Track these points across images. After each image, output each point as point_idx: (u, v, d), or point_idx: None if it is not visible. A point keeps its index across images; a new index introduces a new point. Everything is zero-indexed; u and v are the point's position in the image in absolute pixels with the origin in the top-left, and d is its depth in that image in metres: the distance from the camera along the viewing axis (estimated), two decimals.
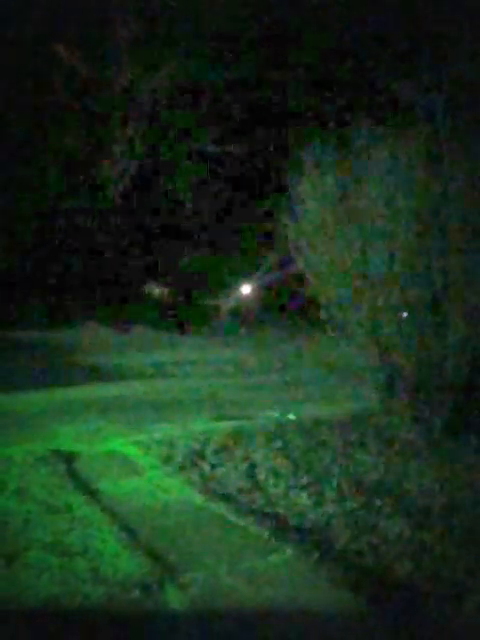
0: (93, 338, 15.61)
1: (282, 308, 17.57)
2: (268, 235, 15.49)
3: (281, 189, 7.44)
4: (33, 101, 17.91)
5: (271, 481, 5.02)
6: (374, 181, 6.43)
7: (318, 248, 6.86)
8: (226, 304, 19.51)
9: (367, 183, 6.49)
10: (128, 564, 3.70)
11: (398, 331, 6.30)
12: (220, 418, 7.42)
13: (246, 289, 20.05)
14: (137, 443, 6.28)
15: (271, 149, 18.26)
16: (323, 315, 6.84)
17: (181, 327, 17.36)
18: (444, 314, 6.13)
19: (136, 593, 3.37)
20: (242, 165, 19.39)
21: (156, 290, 20.54)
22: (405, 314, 6.35)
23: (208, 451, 5.83)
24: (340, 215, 6.70)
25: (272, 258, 17.51)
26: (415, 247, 6.21)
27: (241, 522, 4.29)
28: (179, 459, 5.63)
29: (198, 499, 4.76)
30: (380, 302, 6.41)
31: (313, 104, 18.03)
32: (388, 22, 16.98)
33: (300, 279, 7.33)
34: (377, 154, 6.45)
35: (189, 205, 19.39)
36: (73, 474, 5.40)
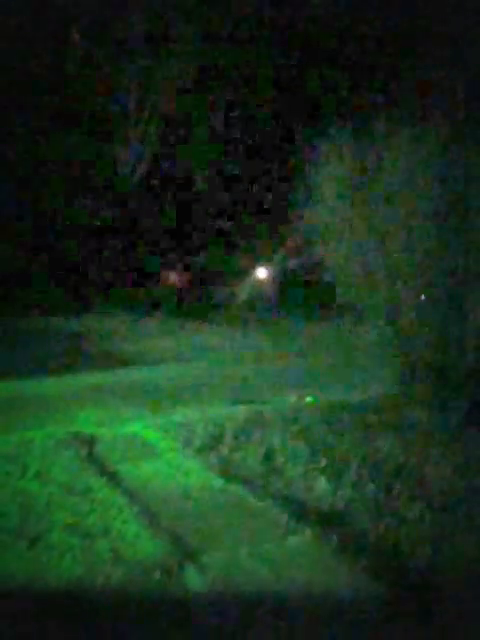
0: (111, 324, 15.69)
1: (300, 294, 17.52)
2: (285, 221, 15.43)
3: (299, 174, 7.39)
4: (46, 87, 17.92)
5: (289, 465, 5.03)
6: (392, 166, 6.37)
7: (336, 234, 6.82)
8: (243, 290, 19.49)
9: (385, 168, 6.43)
10: (148, 546, 3.75)
11: (417, 317, 6.26)
12: (238, 402, 7.45)
13: (263, 275, 20.01)
14: (156, 427, 6.33)
15: (288, 134, 18.12)
16: (341, 301, 6.82)
17: (198, 313, 17.39)
18: (464, 299, 6.09)
19: (156, 574, 3.41)
20: (259, 150, 19.28)
21: (172, 276, 20.57)
22: (423, 297, 6.31)
23: (226, 435, 5.86)
24: (358, 200, 6.66)
25: (289, 244, 17.44)
26: (434, 232, 6.16)
27: (260, 505, 4.32)
28: (198, 442, 5.67)
29: (217, 482, 4.79)
30: (398, 287, 6.37)
31: (330, 89, 17.86)
32: (408, 5, 16.73)
33: (317, 265, 7.30)
34: (395, 139, 6.38)
35: (204, 188, 19.34)
36: (93, 457, 5.46)
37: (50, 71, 18.15)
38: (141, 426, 6.46)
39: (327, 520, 4.00)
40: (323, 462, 5.03)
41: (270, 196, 18.57)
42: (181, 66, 18.78)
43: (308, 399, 7.37)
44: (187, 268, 20.27)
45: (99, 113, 18.93)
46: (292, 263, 17.98)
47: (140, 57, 18.88)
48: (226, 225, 19.56)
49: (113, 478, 4.92)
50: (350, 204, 6.69)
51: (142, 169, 19.59)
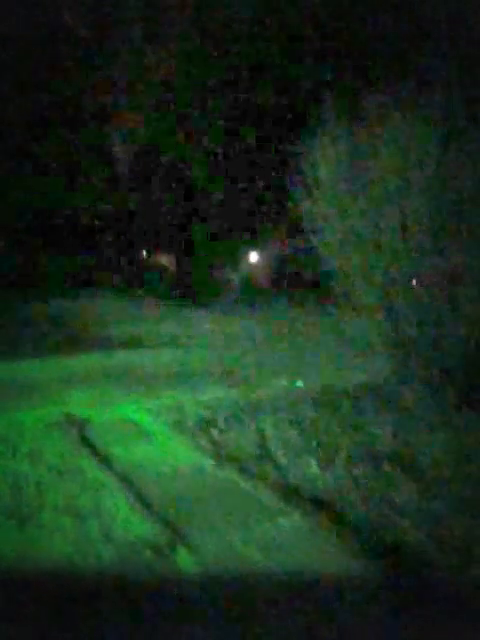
0: (105, 308, 15.64)
1: (293, 279, 17.49)
2: (279, 205, 15.37)
3: (293, 158, 7.33)
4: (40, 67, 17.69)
5: (281, 448, 5.03)
6: (387, 149, 6.32)
7: (330, 218, 6.78)
8: (236, 275, 19.45)
9: (380, 152, 6.38)
10: (139, 527, 3.74)
11: (411, 302, 6.25)
12: (230, 386, 7.44)
13: (256, 260, 19.96)
14: (148, 410, 6.32)
15: (283, 117, 17.97)
16: (335, 286, 6.79)
17: (192, 298, 17.35)
18: (459, 284, 6.07)
19: (147, 554, 3.41)
20: (253, 136, 19.13)
21: (165, 261, 20.50)
22: (414, 282, 6.30)
23: (218, 418, 5.86)
24: (353, 184, 6.61)
25: (283, 229, 17.39)
26: (429, 216, 6.13)
27: (251, 488, 4.32)
28: (189, 426, 5.67)
29: (208, 465, 4.79)
30: (393, 272, 6.35)
31: (325, 72, 17.69)
32: None
33: (311, 250, 7.26)
34: (391, 122, 6.33)
35: (200, 175, 19.21)
36: (85, 439, 5.45)
37: (44, 53, 17.93)
38: (133, 409, 6.45)
39: (318, 503, 4.01)
40: (314, 445, 5.03)
41: (266, 182, 18.46)
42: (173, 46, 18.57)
43: (298, 383, 7.37)
44: (180, 252, 20.19)
45: (94, 96, 18.73)
46: (287, 249, 17.94)
47: (135, 36, 18.65)
48: (220, 210, 19.44)
49: (105, 460, 4.92)
50: (345, 188, 6.64)
51: (135, 151, 19.43)
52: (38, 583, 3.19)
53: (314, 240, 6.94)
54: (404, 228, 6.27)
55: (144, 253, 19.78)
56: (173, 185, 19.38)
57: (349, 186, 6.64)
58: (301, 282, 15.20)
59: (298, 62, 18.39)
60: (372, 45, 17.29)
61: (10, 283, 16.48)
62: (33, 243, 17.93)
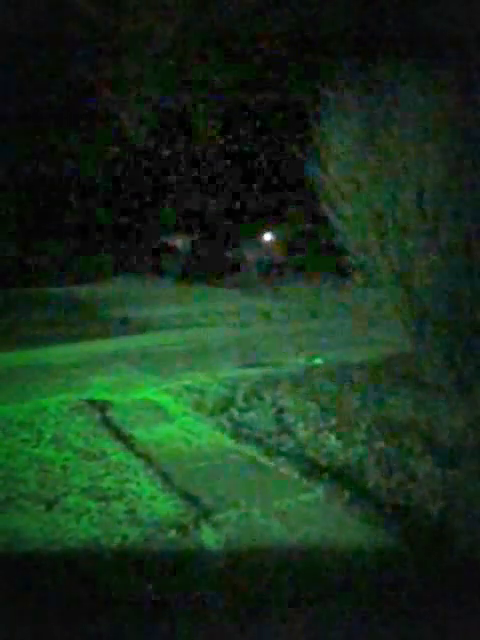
0: (122, 291, 15.73)
1: (310, 256, 17.39)
2: (295, 183, 15.23)
3: (307, 133, 7.24)
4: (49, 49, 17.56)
5: (300, 424, 5.08)
6: (402, 120, 6.23)
7: (345, 192, 6.72)
8: (252, 255, 19.39)
9: (395, 122, 6.28)
10: (163, 506, 3.81)
11: (428, 275, 6.20)
12: (248, 365, 7.49)
13: (272, 238, 19.87)
14: (168, 391, 6.39)
15: (296, 89, 17.69)
16: (352, 261, 6.75)
17: (207, 278, 17.36)
18: (476, 257, 6.00)
19: (172, 533, 3.48)
20: (266, 110, 18.90)
21: (180, 242, 20.48)
22: (433, 257, 6.23)
23: (237, 397, 5.91)
24: (367, 157, 6.53)
25: (298, 208, 17.25)
26: (445, 188, 6.04)
27: (272, 464, 4.37)
28: (209, 405, 5.72)
29: (229, 443, 4.85)
30: (409, 246, 6.29)
31: (336, 39, 17.32)
32: None
33: (326, 226, 7.21)
34: (405, 91, 6.22)
35: (212, 153, 19.07)
36: (107, 422, 5.53)
37: (51, 39, 17.81)
38: (153, 391, 6.52)
39: (338, 477, 4.05)
40: (334, 421, 5.07)
41: (279, 158, 18.27)
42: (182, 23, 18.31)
43: (317, 360, 7.39)
44: (194, 232, 20.15)
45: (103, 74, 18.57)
46: (302, 225, 17.82)
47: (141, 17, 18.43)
48: (233, 190, 19.32)
49: (127, 442, 5.00)
50: (359, 161, 6.56)
51: (145, 132, 19.32)
52: (66, 564, 3.27)
53: (330, 215, 6.89)
54: (421, 199, 6.19)
55: (164, 237, 19.77)
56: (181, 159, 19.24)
57: (364, 158, 6.55)
58: (318, 259, 15.14)
59: (308, 31, 18.03)
60: (383, 10, 16.87)
61: (25, 270, 16.62)
62: (46, 227, 17.99)
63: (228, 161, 19.05)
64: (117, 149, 18.74)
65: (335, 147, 6.65)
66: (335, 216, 6.78)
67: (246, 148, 18.88)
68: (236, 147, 18.89)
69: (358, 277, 6.77)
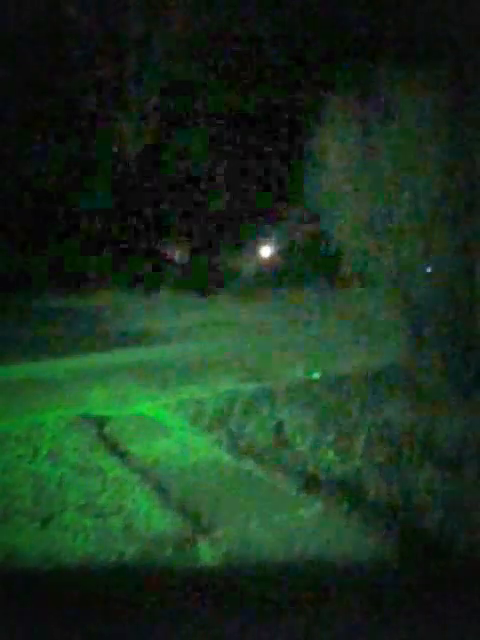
0: (118, 303, 15.69)
1: (306, 265, 17.38)
2: (290, 191, 15.25)
3: (304, 144, 7.25)
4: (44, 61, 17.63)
5: (298, 438, 5.04)
6: (398, 131, 6.24)
7: (341, 200, 6.72)
8: (247, 264, 19.38)
9: (391, 133, 6.30)
10: (160, 522, 3.78)
11: (424, 283, 6.20)
12: (246, 378, 7.45)
13: (267, 247, 19.87)
14: (165, 405, 6.36)
15: (292, 99, 17.75)
16: (347, 270, 6.74)
17: (202, 289, 17.33)
18: (471, 265, 6.01)
19: (169, 550, 3.44)
20: (261, 119, 18.94)
21: (175, 253, 20.48)
22: (429, 269, 6.24)
23: (235, 411, 5.88)
24: (363, 165, 6.54)
25: (293, 215, 17.27)
26: (440, 195, 6.05)
27: (270, 478, 4.34)
28: (207, 419, 5.69)
29: (227, 457, 4.82)
30: (405, 254, 6.29)
31: (331, 51, 17.40)
32: None
33: (322, 236, 7.21)
34: (400, 99, 6.23)
35: (206, 165, 19.09)
36: (104, 437, 5.50)
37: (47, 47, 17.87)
38: (150, 405, 6.49)
39: (337, 491, 4.01)
40: (332, 434, 5.04)
41: (274, 166, 18.29)
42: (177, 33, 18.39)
43: (315, 375, 7.36)
44: (189, 243, 20.15)
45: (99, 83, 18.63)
46: (297, 234, 17.83)
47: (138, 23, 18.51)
48: (229, 198, 19.34)
49: (124, 457, 4.96)
50: (355, 169, 6.56)
51: (142, 144, 19.37)
52: (61, 582, 3.23)
53: (326, 223, 6.89)
54: (417, 207, 6.20)
55: (160, 248, 19.78)
56: (180, 176, 19.28)
57: (359, 166, 6.56)
58: (313, 267, 15.12)
59: (305, 38, 18.08)
60: (381, 19, 16.92)
61: (23, 281, 16.58)
62: (44, 240, 17.99)
63: (224, 167, 19.08)
64: (116, 156, 18.78)
65: (332, 155, 6.67)
66: (331, 222, 6.79)
67: (244, 153, 18.89)
68: (233, 152, 18.91)
69: (356, 284, 6.77)
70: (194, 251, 19.92)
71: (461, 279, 6.11)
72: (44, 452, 5.11)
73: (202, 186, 19.12)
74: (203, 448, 5.10)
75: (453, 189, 6.03)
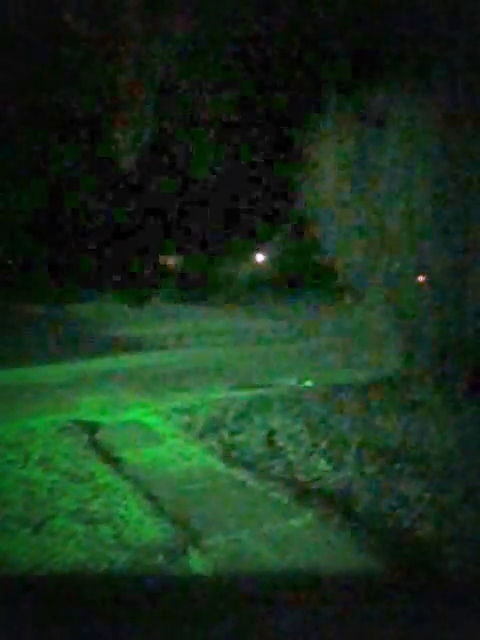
0: (112, 310, 15.69)
1: (300, 276, 17.45)
2: (284, 203, 15.32)
3: (298, 156, 7.31)
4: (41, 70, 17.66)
5: (290, 447, 5.05)
6: (391, 145, 6.31)
7: (334, 214, 6.78)
8: (241, 273, 19.44)
9: (384, 147, 6.37)
10: (152, 530, 3.77)
11: (416, 296, 6.24)
12: (239, 386, 7.46)
13: (261, 257, 19.94)
14: (158, 412, 6.35)
15: (287, 116, 17.87)
16: (340, 282, 6.79)
17: (198, 297, 17.36)
18: (463, 278, 6.06)
19: (160, 558, 3.44)
20: (257, 132, 19.05)
21: (170, 261, 20.51)
22: (421, 279, 6.29)
23: (228, 419, 5.88)
24: (357, 180, 6.61)
25: (287, 227, 17.35)
26: (433, 211, 6.11)
27: (262, 488, 4.34)
28: (199, 427, 5.69)
29: (219, 466, 4.81)
30: (397, 267, 6.34)
31: (327, 67, 17.56)
32: None
33: (315, 247, 7.26)
34: (394, 117, 6.31)
35: (203, 176, 19.16)
36: (96, 444, 5.48)
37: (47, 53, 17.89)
38: (143, 412, 6.48)
39: (328, 501, 4.02)
40: (324, 444, 5.05)
41: (269, 178, 18.38)
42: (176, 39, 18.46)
43: (307, 383, 7.38)
44: (185, 252, 20.20)
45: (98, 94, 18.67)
46: (291, 245, 17.90)
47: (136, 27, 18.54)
48: (224, 209, 19.40)
49: (116, 464, 4.95)
50: (348, 184, 6.63)
51: (139, 152, 19.40)
52: (51, 589, 3.22)
53: (318, 235, 6.94)
54: (409, 220, 6.26)
55: (159, 256, 19.82)
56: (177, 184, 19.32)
57: (353, 181, 6.63)
58: (307, 278, 15.18)
59: (300, 54, 18.25)
60: (373, 34, 17.08)
61: (18, 287, 16.56)
62: (40, 247, 17.98)
63: (220, 175, 19.14)
64: (114, 164, 18.79)
65: (326, 170, 6.73)
66: (324, 235, 6.84)
67: (239, 166, 18.97)
68: (228, 165, 18.98)
69: (348, 296, 6.81)
70: (191, 259, 19.96)
71: (453, 291, 6.16)
72: (35, 458, 5.09)
73: (200, 195, 19.16)
74: (195, 456, 5.09)
75: (445, 207, 6.09)
